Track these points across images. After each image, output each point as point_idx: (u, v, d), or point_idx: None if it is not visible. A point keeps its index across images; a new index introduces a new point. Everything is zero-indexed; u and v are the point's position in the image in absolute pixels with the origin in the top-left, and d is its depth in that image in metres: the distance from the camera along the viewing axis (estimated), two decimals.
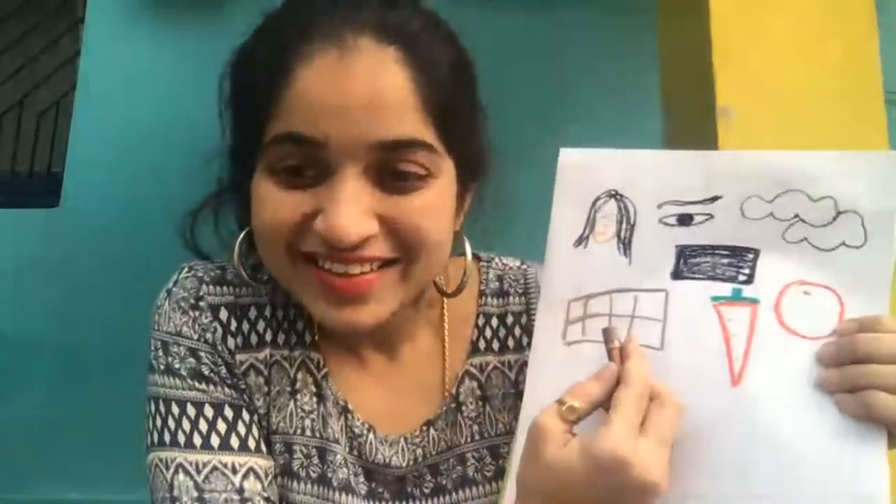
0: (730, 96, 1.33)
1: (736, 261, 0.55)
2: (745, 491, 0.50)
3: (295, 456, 0.67)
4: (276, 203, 0.58)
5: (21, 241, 2.68)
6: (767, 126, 1.33)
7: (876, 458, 0.48)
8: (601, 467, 0.50)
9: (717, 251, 0.56)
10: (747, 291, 0.54)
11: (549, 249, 0.63)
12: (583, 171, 0.63)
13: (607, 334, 0.54)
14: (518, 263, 0.76)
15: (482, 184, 0.67)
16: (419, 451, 0.70)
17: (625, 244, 0.60)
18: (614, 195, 0.61)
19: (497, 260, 0.76)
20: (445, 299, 0.72)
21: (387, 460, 0.68)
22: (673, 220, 0.58)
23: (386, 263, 0.60)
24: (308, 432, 0.68)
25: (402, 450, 0.69)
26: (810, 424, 0.49)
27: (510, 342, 0.72)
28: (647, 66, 1.72)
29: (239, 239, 0.66)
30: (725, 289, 0.54)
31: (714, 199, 0.57)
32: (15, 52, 3.45)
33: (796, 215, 0.54)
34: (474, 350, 0.72)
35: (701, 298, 0.54)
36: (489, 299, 0.73)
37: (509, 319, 0.73)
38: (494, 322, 0.73)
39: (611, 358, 0.54)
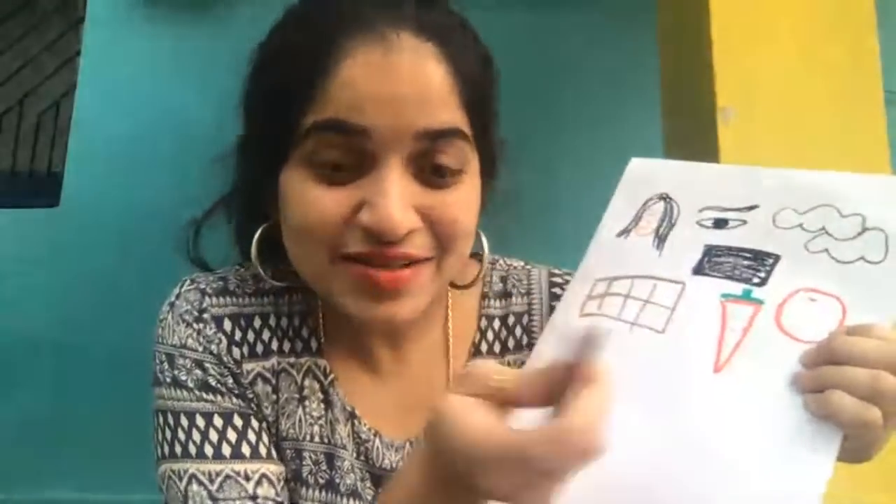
0: (730, 96, 1.33)
1: (756, 264, 0.57)
2: (701, 470, 0.51)
3: (304, 462, 0.66)
4: (316, 200, 0.57)
5: (21, 241, 2.68)
6: (767, 126, 1.33)
7: (821, 461, 0.48)
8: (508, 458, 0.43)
9: (741, 253, 0.58)
10: (757, 293, 0.55)
11: (594, 237, 0.66)
12: (642, 177, 0.66)
13: (591, 338, 0.48)
14: (522, 264, 0.75)
15: (495, 180, 0.68)
16: None
17: (660, 239, 0.62)
18: (664, 198, 0.64)
19: (501, 261, 0.76)
20: (450, 301, 0.72)
21: (393, 465, 0.68)
22: (709, 223, 0.61)
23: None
24: (317, 438, 0.67)
25: (408, 454, 0.69)
26: (774, 419, 0.50)
27: (510, 342, 0.71)
28: (647, 65, 1.72)
29: (256, 237, 0.64)
30: (737, 288, 0.56)
31: (751, 207, 0.59)
32: (15, 52, 3.44)
33: (823, 228, 0.55)
34: (476, 352, 0.71)
35: (712, 294, 0.57)
36: (492, 301, 0.73)
37: (511, 320, 0.73)
38: (496, 324, 0.73)
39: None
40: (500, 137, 0.67)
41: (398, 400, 0.69)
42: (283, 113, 0.58)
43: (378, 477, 0.68)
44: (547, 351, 0.62)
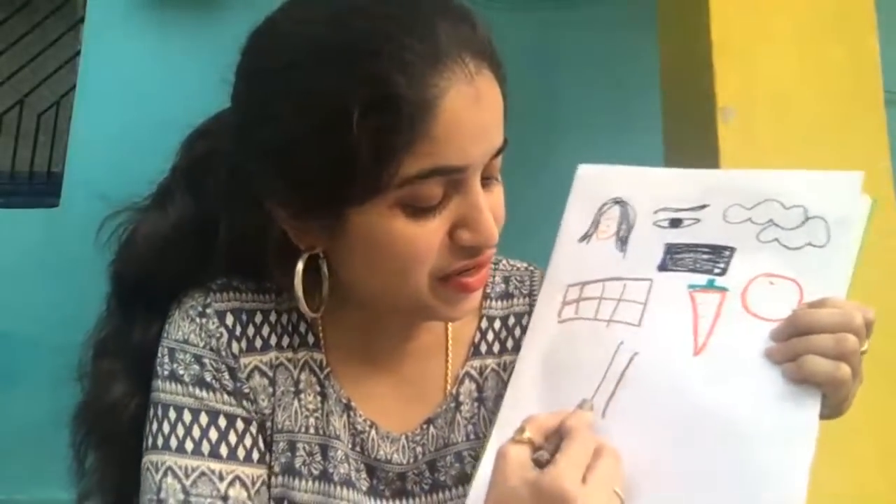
0: (730, 96, 1.33)
1: (714, 256, 0.62)
2: (701, 440, 0.55)
3: (297, 454, 0.67)
4: (417, 236, 0.58)
5: (21, 241, 2.68)
6: (767, 126, 1.33)
7: (808, 419, 0.54)
8: (544, 498, 0.52)
9: (699, 248, 0.63)
10: (720, 281, 0.60)
11: (556, 244, 0.69)
12: (594, 182, 0.69)
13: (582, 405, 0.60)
14: (525, 265, 0.76)
15: None
16: (419, 448, 0.69)
17: (622, 241, 0.66)
18: (618, 201, 0.67)
19: (504, 262, 0.76)
20: None
21: (388, 457, 0.69)
22: (665, 223, 0.65)
23: None
24: (312, 430, 0.68)
25: (403, 447, 0.69)
26: (757, 389, 0.56)
27: (509, 343, 0.72)
28: (647, 66, 1.72)
29: (300, 271, 0.62)
30: (702, 279, 0.61)
31: (702, 206, 0.64)
32: (15, 52, 3.45)
33: (770, 220, 0.61)
34: (475, 352, 0.72)
35: (679, 286, 0.61)
36: (493, 302, 0.73)
37: (511, 321, 0.73)
38: (497, 325, 0.73)
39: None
40: None
41: (396, 393, 0.70)
42: (369, 162, 0.55)
43: (373, 468, 0.69)
44: (531, 358, 0.65)
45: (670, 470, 0.55)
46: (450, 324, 0.71)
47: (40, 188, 3.29)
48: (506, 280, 0.74)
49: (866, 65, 1.37)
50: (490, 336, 0.72)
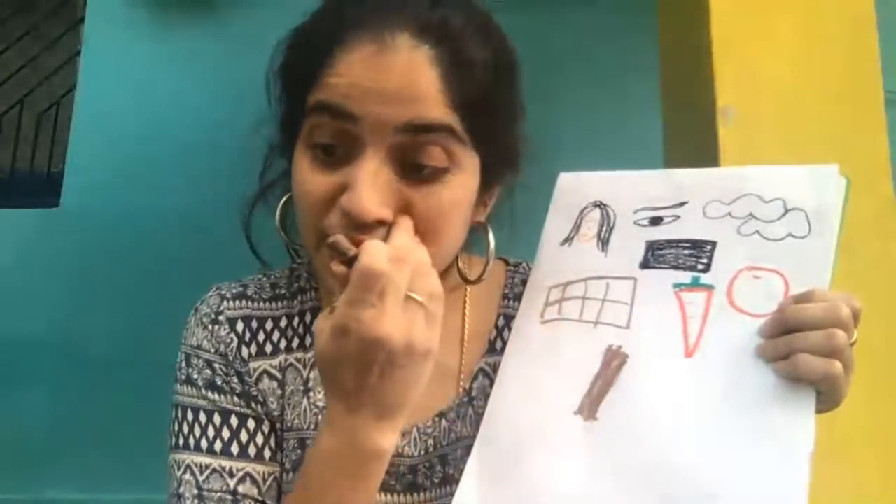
0: (730, 96, 1.33)
1: (696, 252, 0.62)
2: (690, 443, 0.55)
3: (307, 451, 0.68)
4: (308, 180, 0.62)
5: (21, 241, 2.69)
6: (767, 126, 1.33)
7: (805, 416, 0.54)
8: (333, 332, 0.56)
9: (680, 244, 0.63)
10: (704, 278, 0.60)
11: (539, 249, 0.70)
12: (574, 189, 0.71)
13: (336, 246, 0.58)
14: None
15: (512, 179, 0.71)
16: (430, 440, 0.70)
17: (603, 241, 0.66)
18: (598, 205, 0.68)
19: (525, 265, 0.77)
20: (468, 295, 0.74)
21: (399, 450, 0.70)
22: (646, 222, 0.65)
23: None
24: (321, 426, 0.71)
25: (415, 439, 0.70)
26: (750, 389, 0.56)
27: None
28: (647, 65, 1.72)
29: (281, 202, 0.70)
30: (686, 276, 0.61)
31: (682, 204, 0.64)
32: (15, 52, 3.45)
33: (750, 213, 0.61)
34: (491, 349, 0.73)
35: (665, 285, 0.61)
36: (511, 302, 0.75)
37: None
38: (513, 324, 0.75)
39: (350, 266, 0.56)
40: (517, 135, 0.69)
41: None
42: (292, 93, 0.64)
43: None
44: (515, 361, 0.66)
45: (668, 472, 0.55)
46: (467, 319, 0.73)
47: (40, 188, 3.29)
48: (524, 283, 0.75)
49: (866, 65, 1.37)
50: (506, 334, 0.73)
